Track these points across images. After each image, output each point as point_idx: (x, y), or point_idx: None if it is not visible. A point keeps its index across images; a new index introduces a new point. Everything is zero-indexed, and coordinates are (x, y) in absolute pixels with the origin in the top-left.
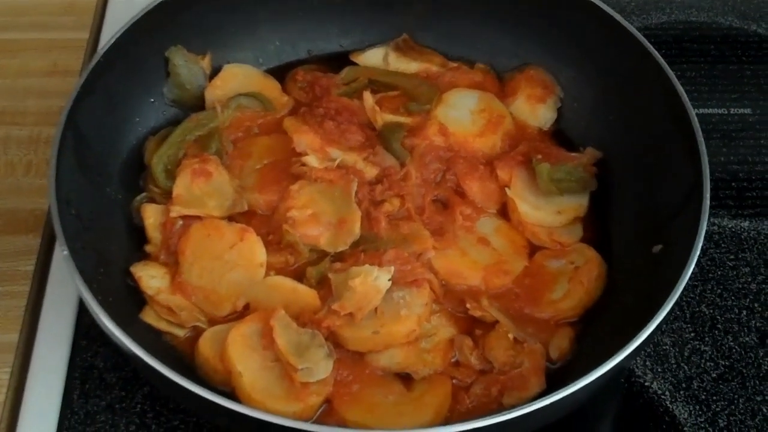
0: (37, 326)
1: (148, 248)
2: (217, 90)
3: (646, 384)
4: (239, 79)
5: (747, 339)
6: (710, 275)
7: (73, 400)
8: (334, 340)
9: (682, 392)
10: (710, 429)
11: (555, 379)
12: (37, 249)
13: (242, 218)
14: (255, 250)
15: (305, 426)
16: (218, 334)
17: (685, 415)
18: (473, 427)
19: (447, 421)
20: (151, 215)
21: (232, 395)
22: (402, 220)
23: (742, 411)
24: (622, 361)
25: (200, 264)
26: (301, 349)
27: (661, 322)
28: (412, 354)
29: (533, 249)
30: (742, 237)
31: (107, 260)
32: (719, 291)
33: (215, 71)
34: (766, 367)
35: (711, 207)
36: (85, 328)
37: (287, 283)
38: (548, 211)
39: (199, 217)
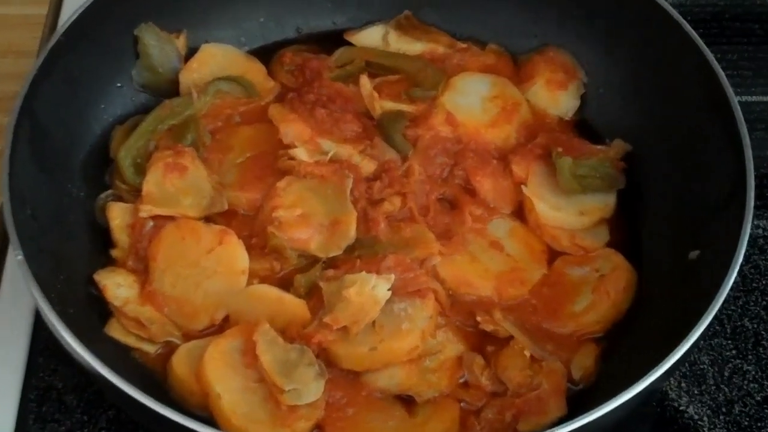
0: None
1: (115, 253)
2: (194, 73)
3: (681, 408)
4: (218, 60)
5: None
6: (754, 285)
7: (28, 426)
8: (325, 357)
9: (722, 417)
10: None
11: (577, 403)
12: None
13: (222, 219)
14: (236, 255)
15: None
16: (194, 350)
17: None
18: None
19: None
20: (118, 215)
21: (209, 420)
22: (403, 221)
23: None
24: (654, 382)
25: (173, 271)
26: (288, 367)
27: (698, 338)
28: (415, 374)
29: (553, 255)
30: None
31: (67, 266)
32: (764, 303)
33: (191, 52)
34: None
35: (755, 207)
36: (42, 343)
37: (272, 292)
38: (570, 212)
39: (172, 218)
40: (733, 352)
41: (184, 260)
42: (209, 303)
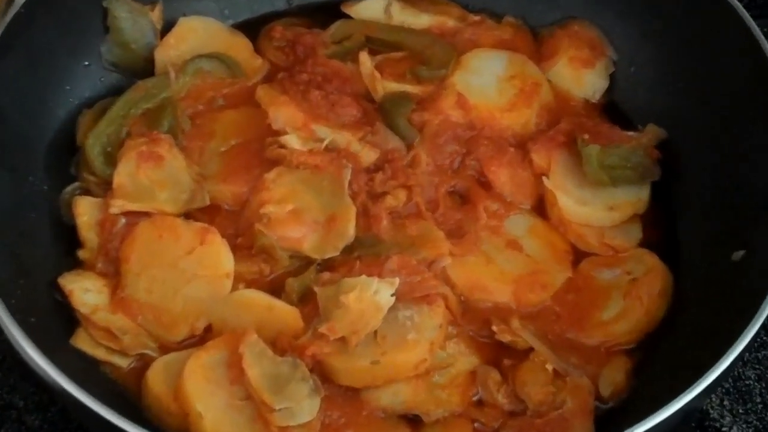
0: None
1: (82, 254)
2: (171, 50)
3: (724, 430)
4: (199, 35)
5: None
6: None
7: None
8: (321, 372)
9: None
10: None
11: (606, 424)
12: None
13: (203, 215)
14: (219, 256)
15: None
16: (172, 364)
17: None
18: None
19: None
20: (86, 211)
21: None
22: (409, 218)
23: None
24: (693, 400)
25: (148, 274)
26: (279, 383)
27: (742, 350)
28: (423, 390)
29: (578, 256)
30: None
31: (29, 269)
32: None
33: (168, 26)
34: None
35: None
36: None
37: (261, 298)
38: (597, 207)
39: (147, 214)
40: None
41: (161, 262)
42: (189, 310)
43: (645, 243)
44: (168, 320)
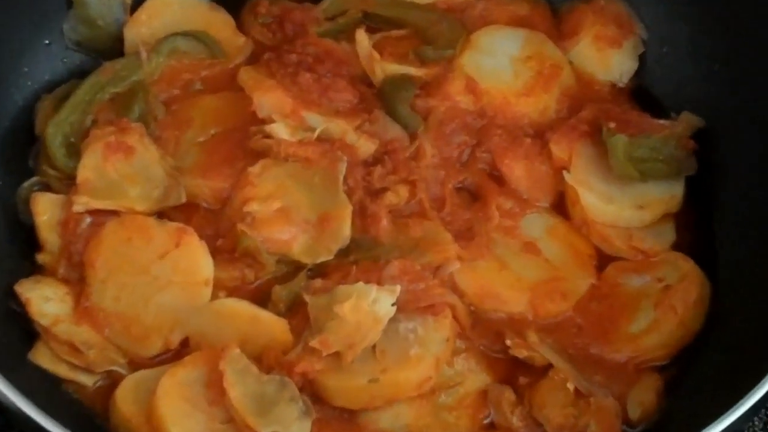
0: None
1: (41, 258)
2: (142, 27)
3: None
4: (173, 11)
5: None
6: None
7: None
8: (312, 391)
9: None
10: None
11: None
12: None
13: (179, 214)
14: (197, 260)
15: None
16: (143, 382)
17: None
18: None
19: None
20: (46, 210)
21: None
22: (412, 217)
23: None
24: (733, 423)
25: (117, 281)
26: (264, 404)
27: None
28: (427, 412)
29: (603, 260)
30: None
31: None
32: None
33: (139, 0)
34: None
35: None
36: None
37: (244, 308)
38: (625, 205)
39: (115, 213)
40: None
41: (131, 267)
42: (163, 321)
43: (678, 246)
44: (139, 332)
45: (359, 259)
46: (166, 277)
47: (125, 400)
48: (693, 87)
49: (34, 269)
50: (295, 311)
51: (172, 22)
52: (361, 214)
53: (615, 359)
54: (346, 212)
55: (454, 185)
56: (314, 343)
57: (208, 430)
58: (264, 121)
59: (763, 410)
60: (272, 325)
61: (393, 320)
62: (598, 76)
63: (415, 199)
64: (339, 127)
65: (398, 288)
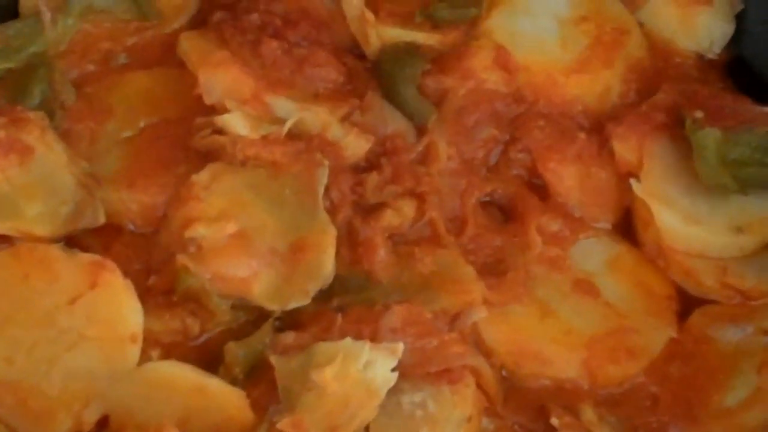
0: None
1: None
2: None
3: None
4: None
5: None
6: None
7: None
8: None
9: None
10: None
11: None
12: None
13: (95, 241)
14: (120, 306)
15: None
16: None
17: None
18: None
19: None
20: None
21: None
22: (420, 245)
23: None
24: None
25: (9, 336)
26: None
27: None
28: None
29: (687, 304)
30: None
31: None
32: None
33: None
34: None
35: None
36: None
37: (186, 375)
38: (717, 227)
39: (7, 239)
40: None
41: (28, 317)
42: (73, 393)
43: None
44: (40, 407)
45: (347, 304)
46: (77, 330)
47: None
48: None
49: None
50: (257, 378)
51: None
52: (349, 241)
53: None
54: (328, 238)
55: (479, 199)
56: (284, 424)
57: None
58: (214, 110)
59: None
60: (225, 398)
61: (394, 391)
62: (680, 44)
63: (425, 219)
64: (318, 117)
65: (401, 346)
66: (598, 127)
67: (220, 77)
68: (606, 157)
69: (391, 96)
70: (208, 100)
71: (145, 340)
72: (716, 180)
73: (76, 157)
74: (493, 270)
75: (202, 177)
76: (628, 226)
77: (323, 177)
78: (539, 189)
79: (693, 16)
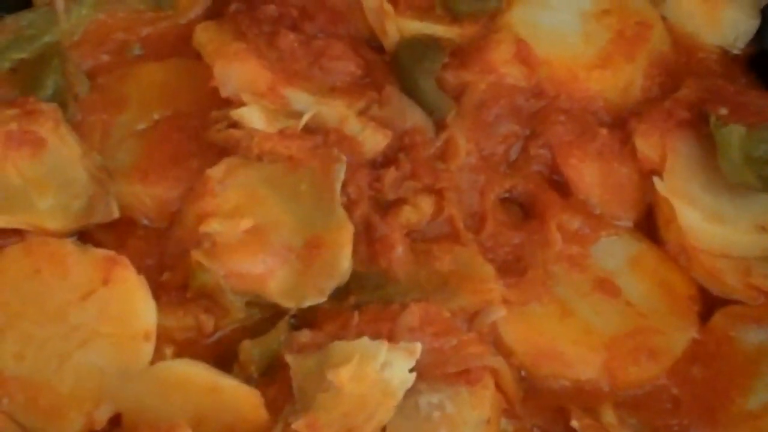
0: None
1: None
2: None
3: None
4: None
5: None
6: None
7: None
8: None
9: None
10: None
11: None
12: None
13: (108, 236)
14: (133, 303)
15: None
16: None
17: None
18: None
19: None
20: None
21: None
22: (439, 242)
23: None
24: None
25: (20, 332)
26: None
27: None
28: None
29: (710, 304)
30: None
31: None
32: None
33: None
34: None
35: None
36: None
37: (200, 373)
38: (741, 226)
39: (18, 234)
40: None
41: (40, 313)
42: (84, 391)
43: None
44: (50, 405)
45: (363, 302)
46: (89, 326)
47: None
48: None
49: None
50: (272, 377)
51: None
52: (366, 238)
53: None
54: (346, 235)
55: (498, 196)
56: (299, 425)
57: None
58: (230, 103)
59: None
60: (239, 398)
61: (411, 392)
62: (704, 38)
63: (443, 215)
64: (335, 111)
65: (419, 346)
66: (620, 122)
67: (236, 69)
68: (628, 154)
69: (409, 90)
70: (223, 93)
71: (158, 337)
72: (740, 178)
73: (89, 150)
74: (512, 268)
75: (217, 171)
76: (649, 224)
77: (340, 172)
78: (559, 186)
79: (717, 10)
